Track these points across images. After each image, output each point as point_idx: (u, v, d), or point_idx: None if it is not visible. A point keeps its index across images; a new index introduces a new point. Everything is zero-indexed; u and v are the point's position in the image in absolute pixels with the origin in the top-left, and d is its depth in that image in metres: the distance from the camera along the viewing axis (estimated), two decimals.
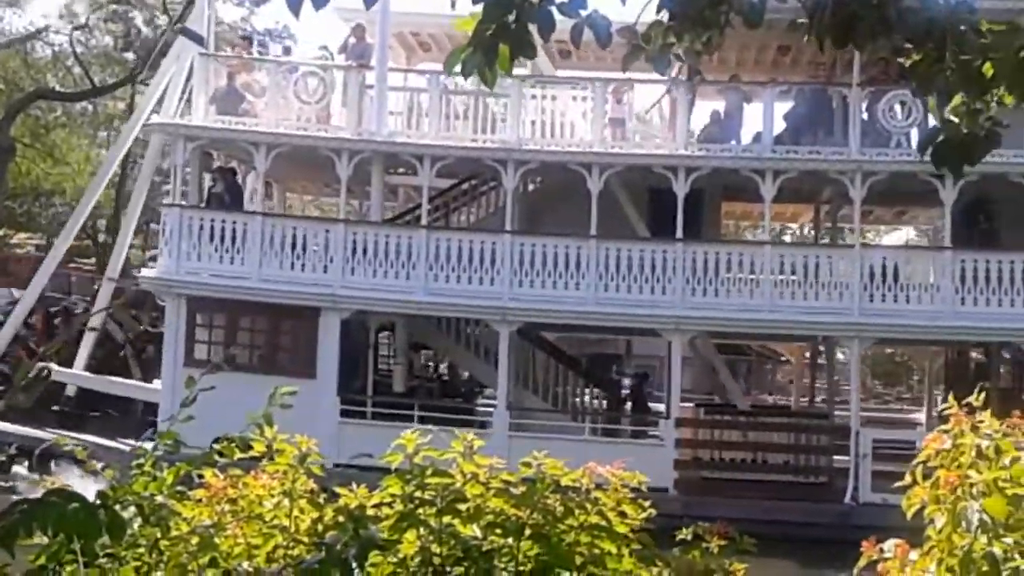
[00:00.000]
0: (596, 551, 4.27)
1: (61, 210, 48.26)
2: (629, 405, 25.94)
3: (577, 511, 4.29)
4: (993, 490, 4.07)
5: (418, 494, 4.11)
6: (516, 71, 24.66)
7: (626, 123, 24.39)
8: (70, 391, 25.91)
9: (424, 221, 24.53)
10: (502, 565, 4.14)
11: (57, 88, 44.91)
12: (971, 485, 4.10)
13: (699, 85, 23.27)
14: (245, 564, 3.93)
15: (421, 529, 4.06)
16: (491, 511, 4.20)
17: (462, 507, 4.15)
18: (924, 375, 31.00)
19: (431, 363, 31.22)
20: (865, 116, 23.01)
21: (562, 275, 23.47)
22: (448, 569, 4.09)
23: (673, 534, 4.95)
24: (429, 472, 4.21)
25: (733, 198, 26.77)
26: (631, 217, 24.55)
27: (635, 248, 23.54)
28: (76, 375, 25.91)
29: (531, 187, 26.35)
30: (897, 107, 22.66)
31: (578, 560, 4.22)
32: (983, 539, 3.98)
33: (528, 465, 4.53)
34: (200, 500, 4.36)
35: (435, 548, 4.08)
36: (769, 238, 25.14)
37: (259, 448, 4.50)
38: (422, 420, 22.58)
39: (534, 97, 24.07)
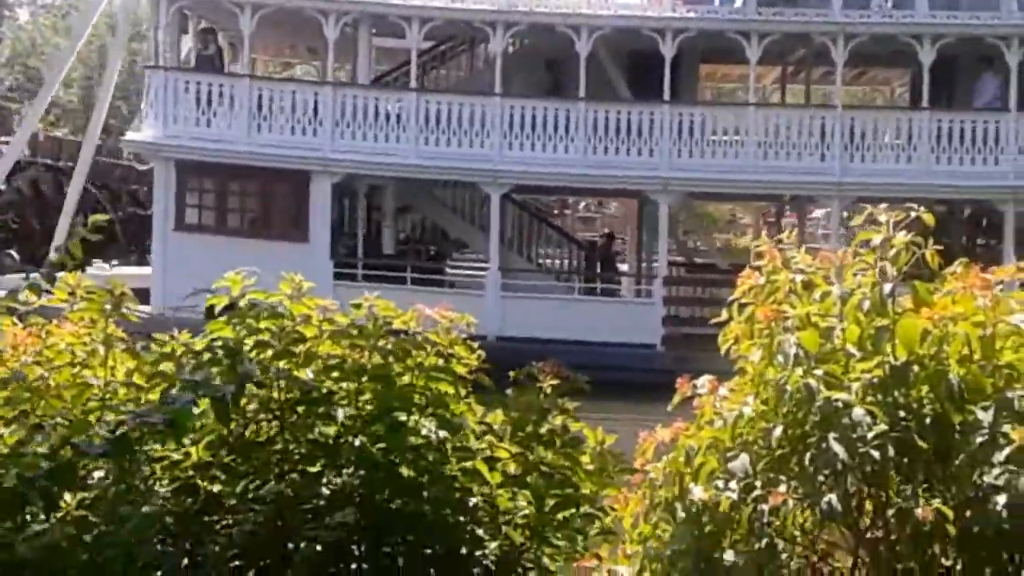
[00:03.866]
0: (434, 392, 4.30)
1: None
2: (598, 265, 26.30)
3: (415, 352, 4.29)
4: (806, 324, 4.18)
5: (249, 339, 4.09)
6: None
7: None
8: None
9: (413, 84, 24.54)
10: (342, 408, 4.15)
11: None
12: (785, 319, 4.22)
13: None
14: (59, 419, 3.85)
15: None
16: (326, 354, 4.23)
17: (298, 349, 4.14)
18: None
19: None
20: None
21: (551, 138, 23.58)
22: (285, 414, 4.12)
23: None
24: (264, 315, 4.18)
25: (709, 60, 26.81)
26: (614, 80, 24.54)
27: (623, 110, 23.62)
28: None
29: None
30: None
31: (420, 401, 4.24)
32: (798, 371, 4.07)
33: (358, 307, 4.44)
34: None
35: (273, 393, 4.10)
36: (755, 100, 25.12)
37: (61, 295, 4.31)
38: (414, 282, 23.15)
39: None
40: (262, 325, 4.19)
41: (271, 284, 4.38)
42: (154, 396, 4.11)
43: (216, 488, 4.03)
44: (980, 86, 23.40)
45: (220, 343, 4.02)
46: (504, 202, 24.25)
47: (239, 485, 4.04)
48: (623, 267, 27.73)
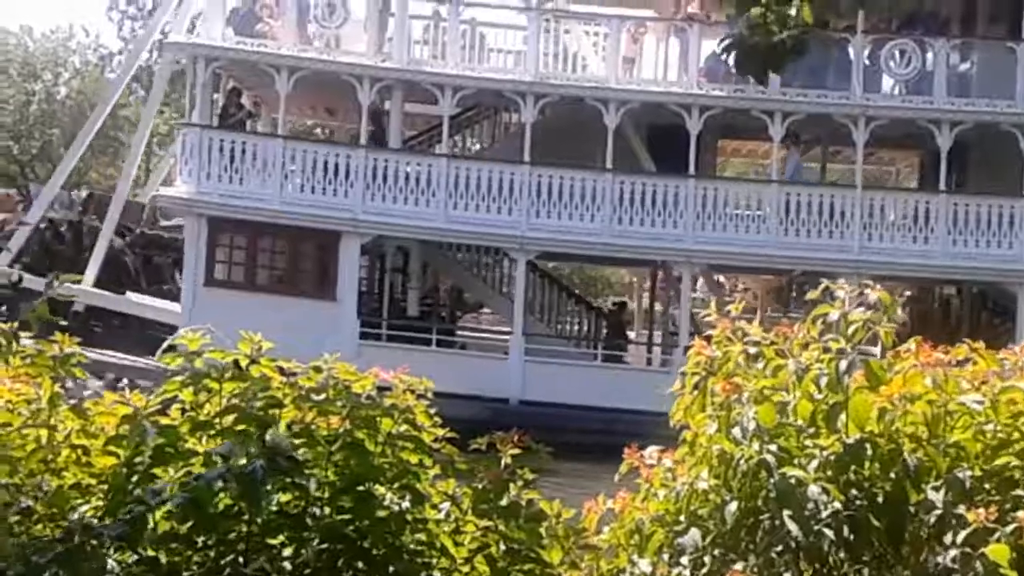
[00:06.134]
0: (401, 462, 4.12)
1: None
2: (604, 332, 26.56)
3: (383, 420, 4.09)
4: (762, 398, 4.19)
5: (211, 400, 3.94)
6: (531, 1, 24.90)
7: (635, 62, 24.78)
8: (78, 306, 24.60)
9: (444, 149, 24.95)
10: (316, 476, 3.92)
11: None
12: (741, 392, 4.22)
13: (710, 25, 23.64)
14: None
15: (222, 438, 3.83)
16: (289, 420, 4.01)
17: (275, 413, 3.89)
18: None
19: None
20: (867, 62, 23.55)
21: (578, 207, 23.94)
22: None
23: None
24: (228, 375, 4.01)
25: (727, 135, 27.23)
26: (638, 152, 24.92)
27: (648, 182, 24.01)
28: (98, 294, 25.38)
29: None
30: (897, 55, 23.26)
31: (389, 471, 4.07)
32: (756, 446, 4.06)
33: (318, 370, 4.23)
34: None
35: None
36: (777, 176, 25.48)
37: None
38: (438, 344, 23.49)
39: (547, 31, 24.38)
40: (226, 388, 4.04)
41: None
42: (104, 461, 3.99)
43: (175, 559, 3.81)
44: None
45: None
46: (526, 268, 24.61)
47: (199, 558, 3.82)
48: (631, 335, 28.09)
